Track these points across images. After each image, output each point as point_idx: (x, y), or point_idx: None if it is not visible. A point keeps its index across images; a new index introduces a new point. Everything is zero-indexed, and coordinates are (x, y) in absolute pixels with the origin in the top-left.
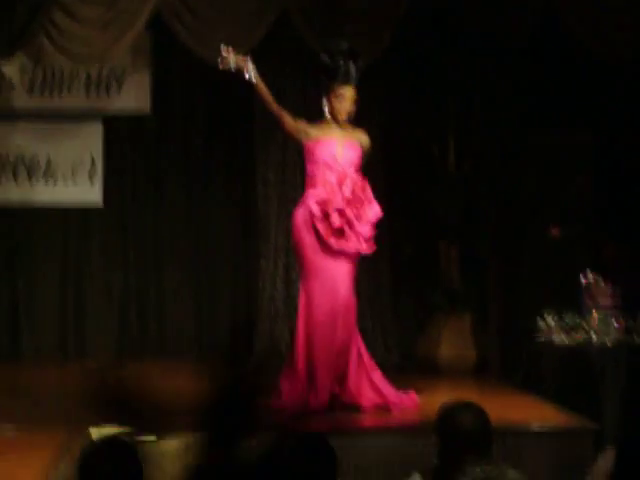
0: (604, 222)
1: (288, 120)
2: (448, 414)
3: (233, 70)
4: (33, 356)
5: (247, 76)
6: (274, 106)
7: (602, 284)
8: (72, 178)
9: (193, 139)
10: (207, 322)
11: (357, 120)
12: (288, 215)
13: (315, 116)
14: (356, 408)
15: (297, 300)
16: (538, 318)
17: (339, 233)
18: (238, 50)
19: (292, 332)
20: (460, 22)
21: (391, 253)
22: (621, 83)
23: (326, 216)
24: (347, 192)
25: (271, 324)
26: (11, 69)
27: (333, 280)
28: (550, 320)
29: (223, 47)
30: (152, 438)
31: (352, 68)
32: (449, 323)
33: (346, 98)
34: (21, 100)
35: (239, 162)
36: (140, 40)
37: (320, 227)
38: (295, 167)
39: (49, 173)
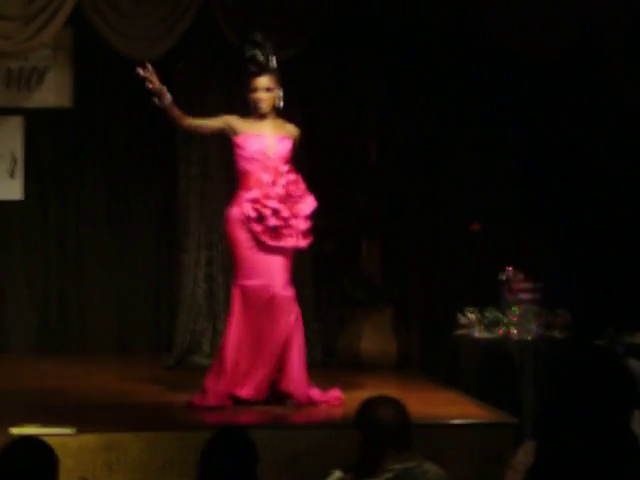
0: (524, 217)
1: (207, 124)
2: (368, 409)
3: (148, 86)
4: None
5: (160, 102)
6: (187, 123)
7: (522, 279)
8: None
9: (115, 134)
10: (128, 317)
11: (277, 114)
12: (210, 210)
13: (239, 114)
14: (290, 398)
15: (218, 295)
16: (459, 313)
17: (275, 232)
18: (161, 46)
19: (215, 328)
20: (383, 17)
21: (313, 248)
22: (541, 78)
23: (261, 217)
24: (281, 190)
25: (193, 320)
26: None
27: (269, 276)
28: (471, 315)
29: (147, 67)
30: (71, 431)
31: (261, 57)
32: (370, 318)
33: (260, 88)
34: None
35: (161, 156)
36: (62, 36)
37: (256, 228)
38: (217, 162)
39: None
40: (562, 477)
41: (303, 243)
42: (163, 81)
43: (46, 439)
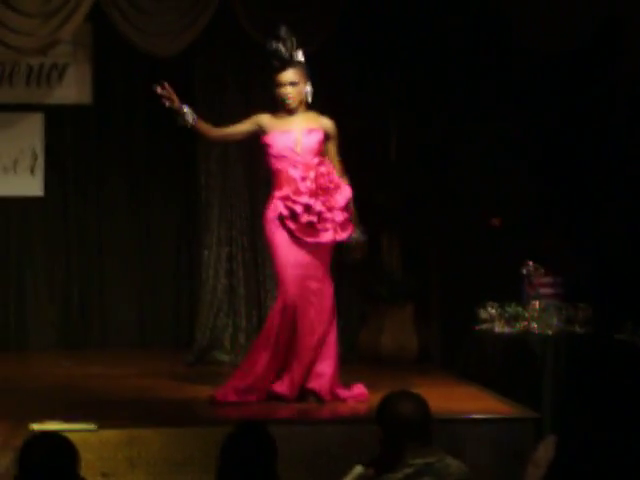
0: (545, 212)
1: (238, 130)
2: (389, 403)
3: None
4: None
5: (183, 120)
6: (216, 134)
7: (543, 274)
8: (13, 169)
9: (135, 130)
10: (149, 314)
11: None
12: (230, 206)
13: (257, 112)
14: (313, 394)
15: (239, 291)
16: (480, 308)
17: (311, 228)
18: (180, 41)
19: (236, 324)
20: (401, 14)
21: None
22: (558, 74)
23: (294, 214)
24: (311, 185)
25: (213, 316)
26: None
27: (306, 274)
28: (491, 310)
29: (161, 87)
30: (93, 428)
31: (284, 51)
32: (391, 314)
33: (285, 83)
34: None
35: (181, 153)
36: (82, 32)
37: (291, 226)
38: (237, 158)
39: None
40: (583, 472)
41: (341, 236)
42: (183, 78)
43: (67, 435)
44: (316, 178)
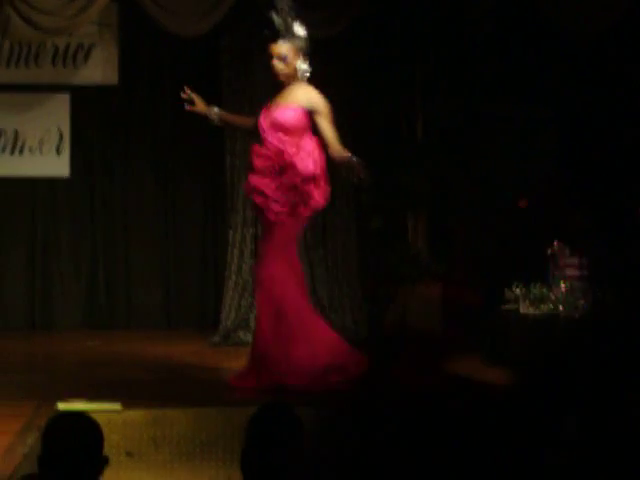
0: (571, 192)
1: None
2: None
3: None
4: (0, 328)
5: (212, 121)
6: (253, 123)
7: (569, 255)
8: (39, 149)
9: (160, 110)
10: (175, 294)
11: (323, 93)
12: None
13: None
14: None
15: None
16: (506, 289)
17: (257, 205)
18: (206, 22)
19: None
20: None
21: (358, 225)
22: (585, 56)
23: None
24: (263, 162)
25: (239, 296)
26: None
27: (263, 251)
28: (517, 291)
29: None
30: (118, 408)
31: (278, 22)
32: (416, 295)
33: (274, 55)
34: None
35: (207, 133)
36: (107, 12)
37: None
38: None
39: (17, 145)
40: (606, 456)
41: (284, 219)
42: (209, 59)
43: (92, 415)
44: (268, 155)
